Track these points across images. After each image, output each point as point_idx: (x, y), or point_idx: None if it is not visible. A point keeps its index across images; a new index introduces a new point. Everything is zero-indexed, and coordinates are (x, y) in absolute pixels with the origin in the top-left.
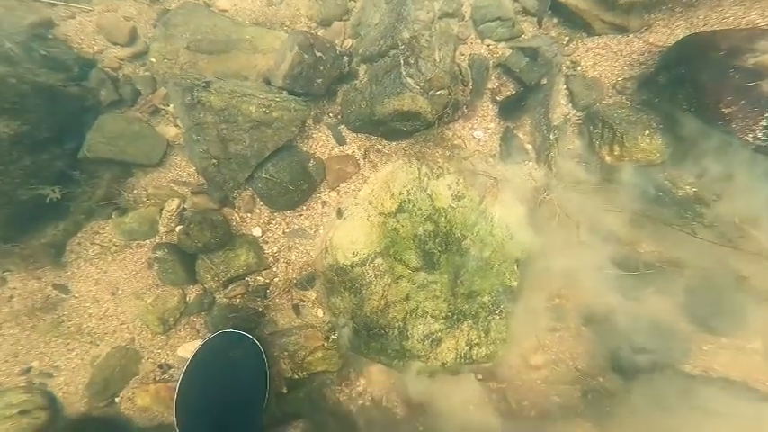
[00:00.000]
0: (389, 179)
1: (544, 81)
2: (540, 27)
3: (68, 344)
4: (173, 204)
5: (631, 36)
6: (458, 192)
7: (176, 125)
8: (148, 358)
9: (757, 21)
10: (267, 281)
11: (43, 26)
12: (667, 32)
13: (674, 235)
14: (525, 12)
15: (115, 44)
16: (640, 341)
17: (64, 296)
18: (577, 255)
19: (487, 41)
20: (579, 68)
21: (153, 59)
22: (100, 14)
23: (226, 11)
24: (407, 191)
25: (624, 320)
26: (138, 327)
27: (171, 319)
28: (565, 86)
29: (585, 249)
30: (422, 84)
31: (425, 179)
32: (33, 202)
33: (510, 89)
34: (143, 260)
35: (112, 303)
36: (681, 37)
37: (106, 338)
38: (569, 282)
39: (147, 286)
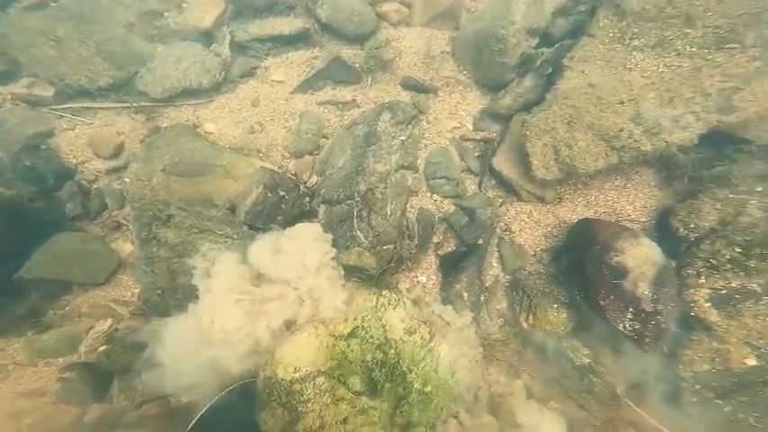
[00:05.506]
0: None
1: (480, 241)
2: (480, 189)
3: None
4: (104, 325)
5: (547, 207)
6: (410, 326)
7: (133, 243)
8: None
9: (626, 208)
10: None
11: (44, 136)
12: (571, 209)
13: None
14: (470, 170)
15: (99, 157)
16: None
17: None
18: None
19: (435, 196)
20: (508, 234)
21: (127, 179)
22: (97, 128)
23: (211, 133)
24: (362, 317)
25: None
26: None
27: None
28: (497, 250)
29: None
30: (370, 238)
31: (382, 309)
32: None
33: (451, 245)
34: (44, 380)
35: None
36: (579, 216)
37: None
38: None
39: (36, 406)
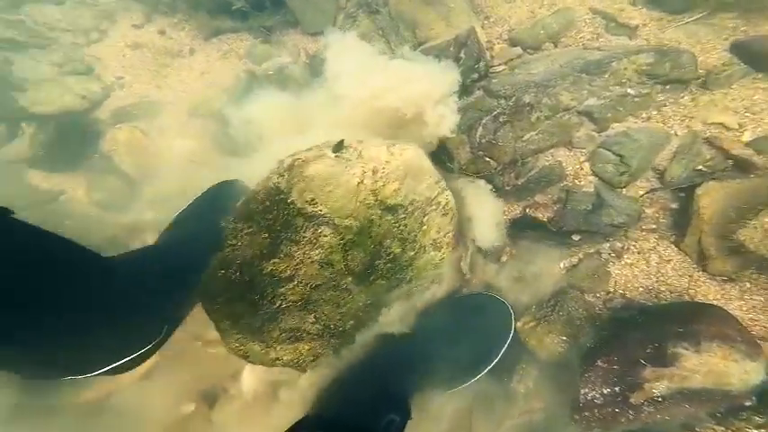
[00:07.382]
0: (414, 171)
1: (576, 238)
2: (641, 196)
3: None
4: (274, 64)
5: (696, 272)
6: (442, 242)
7: None
8: None
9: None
10: None
11: None
12: (720, 292)
13: None
14: (659, 174)
15: None
16: None
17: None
18: None
19: (586, 165)
20: (610, 256)
21: None
22: None
23: None
24: (412, 200)
25: None
26: None
27: None
28: (580, 257)
29: None
30: (484, 141)
31: (434, 206)
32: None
33: (546, 215)
34: (229, 71)
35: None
36: (713, 302)
37: None
38: None
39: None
